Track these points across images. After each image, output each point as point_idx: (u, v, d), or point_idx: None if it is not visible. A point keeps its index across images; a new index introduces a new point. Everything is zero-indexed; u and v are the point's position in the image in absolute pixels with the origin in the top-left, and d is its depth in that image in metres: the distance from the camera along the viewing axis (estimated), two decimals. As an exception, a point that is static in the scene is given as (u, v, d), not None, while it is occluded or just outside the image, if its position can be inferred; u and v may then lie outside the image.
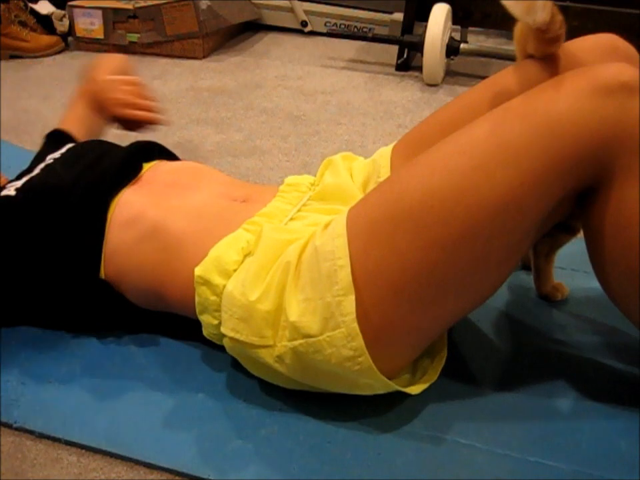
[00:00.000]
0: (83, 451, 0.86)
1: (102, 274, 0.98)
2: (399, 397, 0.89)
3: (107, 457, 0.85)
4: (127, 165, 1.06)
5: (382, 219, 0.80)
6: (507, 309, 1.11)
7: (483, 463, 0.83)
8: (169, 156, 1.18)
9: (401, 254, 0.78)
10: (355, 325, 0.78)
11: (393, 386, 0.84)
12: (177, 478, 0.83)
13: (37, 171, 1.06)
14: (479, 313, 1.07)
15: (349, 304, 0.78)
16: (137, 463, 0.84)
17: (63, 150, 1.13)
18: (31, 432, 0.88)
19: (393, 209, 0.79)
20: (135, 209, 0.98)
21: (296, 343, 0.82)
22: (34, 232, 0.98)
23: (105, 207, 0.98)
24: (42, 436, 0.88)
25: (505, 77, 0.98)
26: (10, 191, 1.01)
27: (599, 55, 0.92)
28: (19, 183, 1.02)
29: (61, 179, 1.02)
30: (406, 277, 0.79)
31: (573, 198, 0.82)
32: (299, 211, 0.98)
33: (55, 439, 0.87)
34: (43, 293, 1.01)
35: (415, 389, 0.88)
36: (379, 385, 0.84)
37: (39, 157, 1.15)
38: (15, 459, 0.85)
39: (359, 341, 0.79)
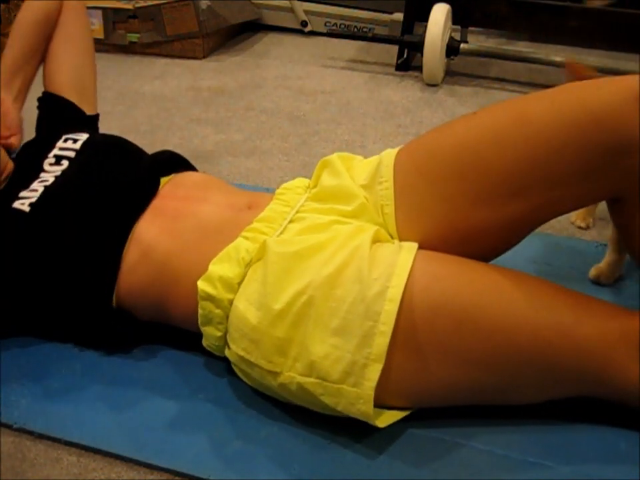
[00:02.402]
0: (83, 451, 0.86)
1: (113, 302, 0.97)
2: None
3: (107, 457, 0.85)
4: (146, 189, 1.04)
5: (447, 315, 0.81)
6: None
7: (482, 463, 0.83)
8: (185, 166, 1.17)
9: (445, 354, 0.81)
10: (372, 393, 0.79)
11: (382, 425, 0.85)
12: (176, 478, 0.83)
13: (50, 177, 1.03)
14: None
15: (374, 371, 0.79)
16: (137, 463, 0.84)
17: (78, 145, 1.10)
18: (31, 432, 0.88)
19: (464, 314, 0.81)
20: (147, 243, 0.97)
21: (307, 379, 0.82)
22: (45, 256, 0.96)
23: (122, 243, 0.97)
24: (42, 436, 0.88)
25: (531, 106, 0.90)
26: (24, 205, 0.98)
27: (622, 100, 0.86)
28: (33, 197, 0.99)
29: (78, 199, 1.00)
30: (435, 372, 0.82)
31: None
32: (297, 212, 0.97)
33: (55, 439, 0.87)
34: (52, 313, 1.00)
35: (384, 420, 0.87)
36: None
37: (53, 129, 1.13)
38: (15, 459, 0.85)
39: (369, 407, 0.80)
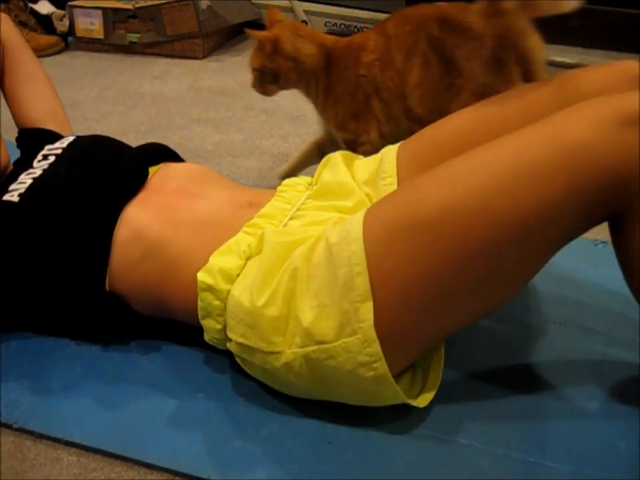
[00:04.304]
0: (83, 451, 0.86)
1: (107, 286, 0.98)
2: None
3: (107, 457, 0.85)
4: (134, 174, 1.05)
5: (399, 228, 0.80)
6: (507, 308, 1.10)
7: (483, 463, 0.83)
8: (173, 157, 1.18)
9: (415, 263, 0.78)
10: (373, 331, 0.78)
11: (401, 394, 0.83)
12: (177, 478, 0.83)
13: (38, 170, 1.05)
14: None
15: (367, 310, 0.78)
16: (137, 463, 0.84)
17: (64, 144, 1.12)
18: (31, 432, 0.88)
19: (411, 218, 0.79)
20: (139, 225, 0.98)
21: (308, 349, 0.81)
22: (36, 243, 0.97)
23: (112, 226, 0.98)
24: (42, 436, 0.88)
25: (530, 93, 0.94)
26: (13, 196, 1.00)
27: (621, 82, 0.90)
28: (22, 188, 1.01)
29: (66, 187, 1.01)
30: (418, 286, 0.79)
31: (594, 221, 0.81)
32: (298, 209, 0.98)
33: (55, 439, 0.87)
34: (46, 302, 1.00)
35: (421, 401, 0.87)
36: (386, 393, 0.83)
37: (33, 149, 1.13)
38: (15, 459, 0.85)
39: (376, 347, 0.79)
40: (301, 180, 1.05)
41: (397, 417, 0.88)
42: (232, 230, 0.94)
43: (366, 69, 1.20)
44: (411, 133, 1.14)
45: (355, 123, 1.26)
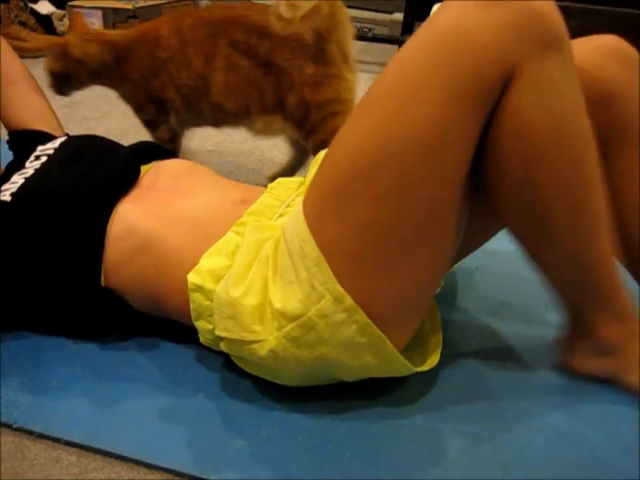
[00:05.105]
0: (83, 451, 0.86)
1: (102, 282, 0.98)
2: (398, 389, 0.90)
3: (107, 457, 0.85)
4: (125, 172, 1.06)
5: (326, 193, 0.81)
6: (500, 292, 1.10)
7: (483, 449, 0.83)
8: (165, 155, 1.18)
9: (349, 219, 0.79)
10: (338, 287, 0.78)
11: (391, 348, 0.82)
12: (176, 478, 0.83)
13: (30, 170, 1.06)
14: (473, 297, 1.09)
15: (324, 271, 0.79)
16: (137, 463, 0.84)
17: (56, 144, 1.12)
18: (30, 432, 0.88)
19: (330, 180, 0.81)
20: (132, 220, 0.98)
21: (286, 329, 0.81)
22: (30, 240, 0.98)
23: (105, 221, 0.98)
24: (42, 436, 0.88)
25: None
26: (5, 196, 1.01)
27: (601, 56, 0.91)
28: (14, 187, 1.02)
29: (58, 184, 1.01)
30: (361, 239, 0.79)
31: None
32: (287, 206, 0.98)
33: (55, 439, 0.87)
34: (43, 300, 1.01)
35: (427, 365, 0.88)
36: (376, 346, 0.82)
37: (25, 150, 1.14)
38: (15, 459, 0.85)
39: (348, 301, 0.79)
40: (294, 179, 1.06)
41: (394, 409, 0.89)
42: (223, 228, 0.95)
43: (162, 64, 1.29)
44: (216, 121, 1.31)
45: (153, 106, 1.36)
